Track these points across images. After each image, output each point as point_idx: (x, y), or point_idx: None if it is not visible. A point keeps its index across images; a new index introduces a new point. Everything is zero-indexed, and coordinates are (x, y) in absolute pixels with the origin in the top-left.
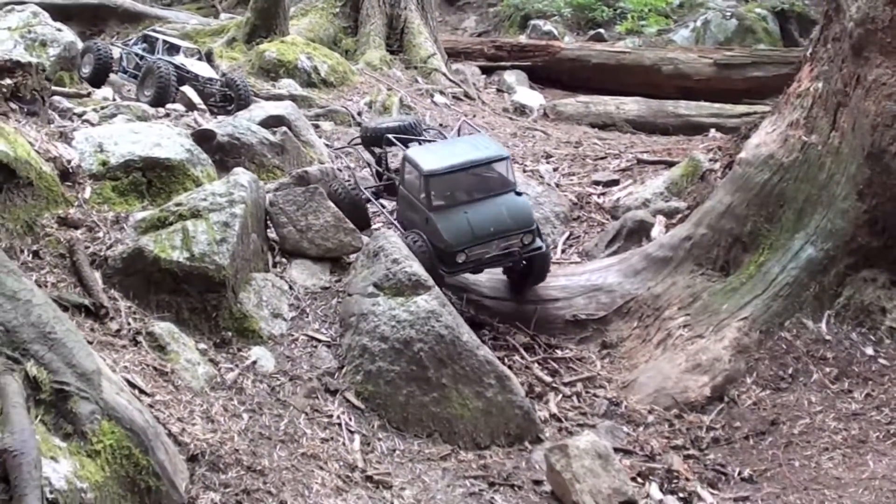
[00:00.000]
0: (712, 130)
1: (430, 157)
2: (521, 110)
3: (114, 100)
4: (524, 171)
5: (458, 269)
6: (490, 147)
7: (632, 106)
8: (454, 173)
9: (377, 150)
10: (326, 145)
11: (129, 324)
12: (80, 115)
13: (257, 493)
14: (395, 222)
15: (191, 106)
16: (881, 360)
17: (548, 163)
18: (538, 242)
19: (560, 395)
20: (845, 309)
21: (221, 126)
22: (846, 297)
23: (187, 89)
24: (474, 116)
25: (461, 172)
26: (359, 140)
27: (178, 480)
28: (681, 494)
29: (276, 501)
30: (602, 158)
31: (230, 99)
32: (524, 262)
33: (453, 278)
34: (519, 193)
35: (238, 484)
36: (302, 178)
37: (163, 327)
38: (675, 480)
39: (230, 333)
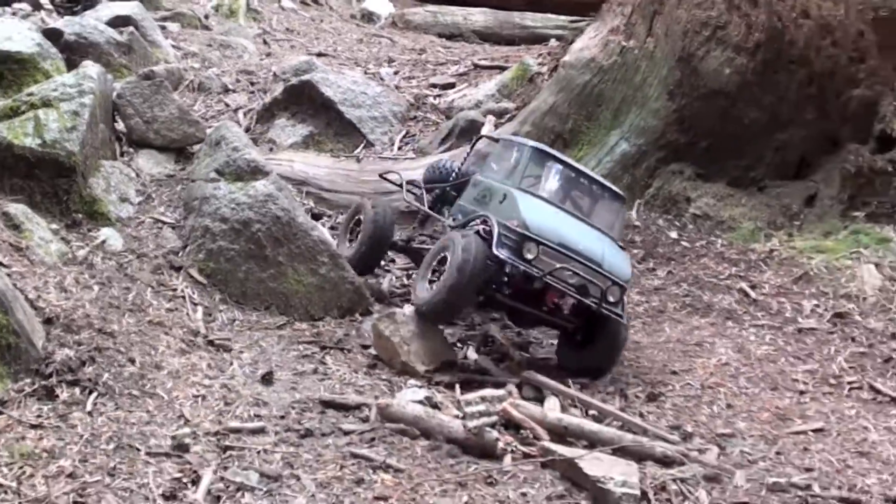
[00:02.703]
0: (553, 40)
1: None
2: (369, 17)
3: None
4: (366, 73)
5: (520, 263)
6: (612, 184)
7: (479, 17)
8: (564, 165)
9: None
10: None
11: None
12: None
13: (108, 351)
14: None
15: (37, 5)
16: (683, 243)
17: (389, 66)
18: (621, 309)
19: (392, 276)
20: (654, 198)
21: (68, 25)
22: (656, 188)
23: None
24: (321, 21)
25: (572, 172)
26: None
27: (35, 339)
28: (495, 356)
29: (126, 359)
30: (442, 64)
31: None
32: (593, 325)
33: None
34: (623, 248)
35: (90, 343)
36: (149, 78)
37: (17, 208)
38: (491, 344)
39: (80, 216)
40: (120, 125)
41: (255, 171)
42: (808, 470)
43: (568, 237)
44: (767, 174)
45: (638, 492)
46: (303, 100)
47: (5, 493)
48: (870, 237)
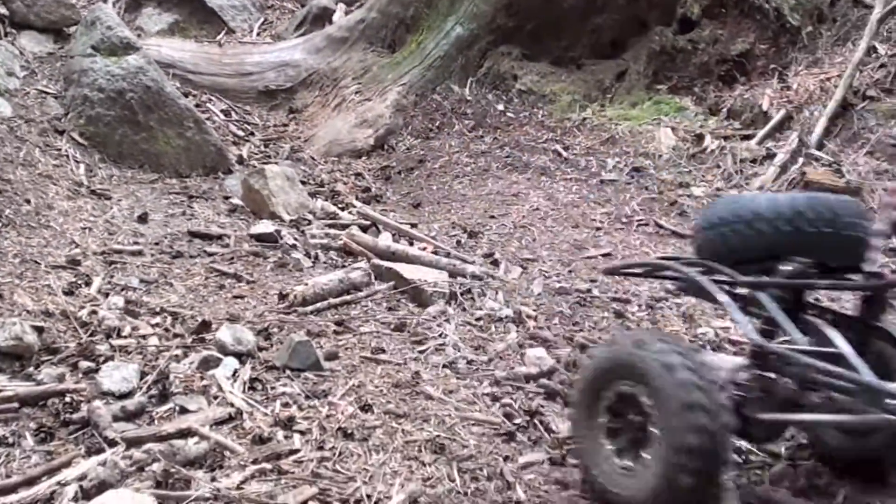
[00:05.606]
0: None
1: None
2: None
3: None
4: None
5: None
6: None
7: None
8: None
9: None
10: None
11: None
12: None
13: (7, 193)
14: None
15: None
16: (509, 114)
17: None
18: None
19: (251, 145)
20: (485, 76)
21: None
22: (487, 68)
23: None
24: None
25: None
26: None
27: None
28: (340, 206)
29: (23, 199)
30: None
31: None
32: None
33: None
34: None
35: None
36: None
37: None
38: (338, 197)
39: None
40: (2, 9)
41: (128, 47)
42: (592, 281)
43: None
44: (584, 54)
45: (447, 291)
46: None
47: None
48: (669, 106)
